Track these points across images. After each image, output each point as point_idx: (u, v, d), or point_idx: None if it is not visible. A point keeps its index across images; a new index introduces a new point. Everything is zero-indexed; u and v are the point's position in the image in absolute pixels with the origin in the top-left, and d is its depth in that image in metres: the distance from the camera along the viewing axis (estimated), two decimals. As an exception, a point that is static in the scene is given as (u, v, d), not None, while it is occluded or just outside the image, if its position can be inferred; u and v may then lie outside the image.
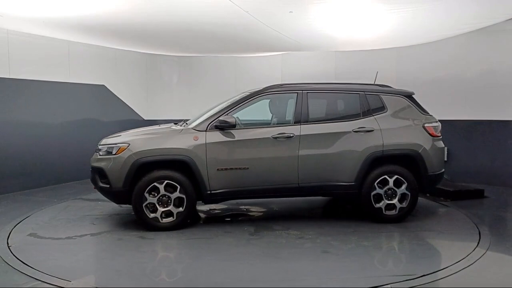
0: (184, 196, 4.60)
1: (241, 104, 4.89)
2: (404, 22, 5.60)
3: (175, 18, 5.48)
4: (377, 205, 4.85)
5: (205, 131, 4.70)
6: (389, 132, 4.92)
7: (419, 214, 5.30)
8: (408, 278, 3.37)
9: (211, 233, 4.57)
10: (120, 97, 8.68)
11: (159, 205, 4.60)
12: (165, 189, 4.58)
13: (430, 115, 5.21)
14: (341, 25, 5.85)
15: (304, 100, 4.93)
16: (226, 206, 5.82)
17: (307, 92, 4.99)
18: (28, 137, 6.89)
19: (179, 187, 4.58)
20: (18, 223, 4.98)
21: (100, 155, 4.78)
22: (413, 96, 5.27)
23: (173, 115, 8.84)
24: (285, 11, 5.04)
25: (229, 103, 4.99)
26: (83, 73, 7.86)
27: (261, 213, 5.59)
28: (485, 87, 7.20)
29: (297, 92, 5.00)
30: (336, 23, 5.73)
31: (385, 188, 4.85)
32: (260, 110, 5.31)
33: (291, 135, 4.77)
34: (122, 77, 8.81)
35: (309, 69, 8.63)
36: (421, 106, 5.24)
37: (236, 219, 5.30)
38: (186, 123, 5.08)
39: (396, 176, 4.85)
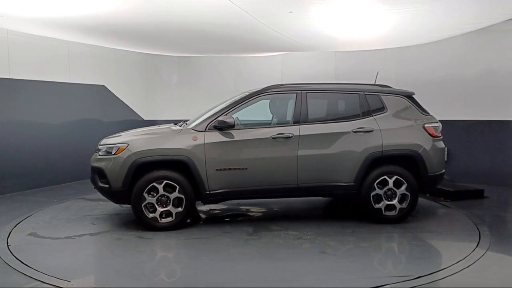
0: (183, 196, 4.60)
1: (240, 105, 4.89)
2: (404, 22, 5.60)
3: (175, 18, 5.48)
4: (377, 206, 4.84)
5: (204, 131, 4.70)
6: (388, 132, 4.91)
7: (419, 215, 5.29)
8: (407, 279, 3.36)
9: (209, 233, 4.57)
10: (120, 97, 8.69)
11: (158, 205, 4.60)
12: (164, 189, 4.59)
13: (431, 116, 5.19)
14: (341, 25, 5.84)
15: (303, 101, 4.93)
16: (226, 206, 5.82)
17: (306, 93, 4.98)
18: (28, 137, 6.90)
19: (178, 187, 4.59)
20: (18, 223, 4.99)
21: (99, 155, 4.79)
22: (413, 96, 5.26)
23: (173, 115, 8.86)
24: (285, 11, 5.04)
25: (228, 104, 4.99)
26: (83, 73, 7.87)
27: (261, 214, 5.58)
28: (485, 87, 7.19)
29: (296, 93, 4.99)
30: (336, 23, 5.73)
31: (384, 189, 4.84)
32: (261, 111, 5.31)
33: (290, 135, 4.76)
34: (122, 77, 8.82)
35: (309, 70, 8.63)
36: (422, 106, 5.22)
37: (236, 219, 5.29)
38: (186, 124, 5.08)
39: (395, 177, 4.84)
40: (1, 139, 6.51)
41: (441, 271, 3.55)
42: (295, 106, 4.92)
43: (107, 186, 4.67)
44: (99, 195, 5.04)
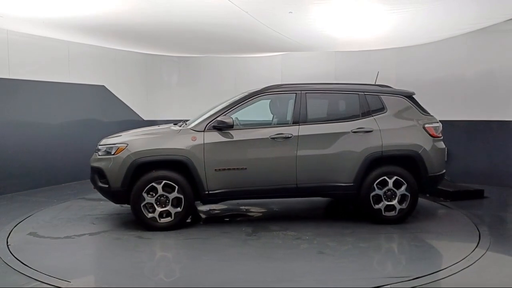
0: (182, 196, 4.60)
1: (239, 105, 4.88)
2: (404, 22, 5.60)
3: (175, 19, 5.48)
4: (376, 206, 4.83)
5: (203, 131, 4.70)
6: (388, 132, 4.89)
7: (419, 215, 5.28)
8: (407, 279, 3.36)
9: (208, 234, 4.57)
10: (120, 97, 8.69)
11: (157, 205, 4.60)
12: (163, 189, 4.59)
13: (431, 116, 5.17)
14: (341, 26, 5.84)
15: (302, 101, 4.92)
16: (226, 207, 5.82)
17: (306, 93, 4.97)
18: (28, 137, 6.90)
19: (177, 187, 4.59)
20: (18, 223, 4.99)
21: (99, 155, 4.79)
22: (413, 96, 5.24)
23: (173, 115, 8.86)
24: (285, 12, 5.04)
25: (228, 104, 4.98)
26: (83, 73, 7.87)
27: (261, 214, 5.58)
28: (485, 87, 7.18)
29: (295, 93, 4.99)
30: (336, 24, 5.73)
31: (384, 189, 4.82)
32: (261, 111, 5.31)
33: (289, 135, 4.76)
34: (122, 77, 8.82)
35: (309, 70, 8.62)
36: (422, 107, 5.19)
37: (235, 219, 5.29)
38: (186, 124, 5.08)
39: (395, 177, 4.82)
40: (1, 139, 6.52)
41: (441, 271, 3.54)
42: (294, 106, 4.92)
43: (107, 186, 4.67)
44: (99, 195, 5.05)
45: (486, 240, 4.32)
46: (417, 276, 3.40)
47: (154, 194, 4.59)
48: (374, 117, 4.96)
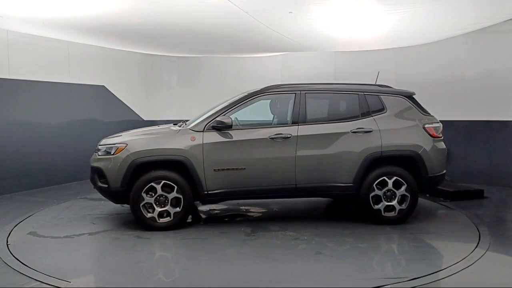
0: (181, 197, 4.60)
1: (239, 105, 4.88)
2: (404, 22, 5.59)
3: (175, 19, 5.48)
4: (376, 207, 4.82)
5: (203, 131, 4.70)
6: (388, 132, 4.88)
7: (418, 215, 5.27)
8: (406, 279, 3.35)
9: (207, 234, 4.57)
10: (119, 97, 8.70)
11: (156, 205, 4.60)
12: (162, 189, 4.59)
13: (431, 116, 5.15)
14: (341, 26, 5.84)
15: (302, 101, 4.92)
16: (225, 207, 5.81)
17: (305, 93, 4.97)
18: (28, 137, 6.91)
19: (176, 187, 4.59)
20: (18, 223, 4.99)
21: (99, 155, 4.80)
22: (413, 96, 5.23)
23: (173, 115, 8.86)
24: (285, 12, 5.04)
25: (227, 104, 4.98)
26: (83, 73, 7.87)
27: (260, 214, 5.58)
28: (485, 87, 7.17)
29: (295, 93, 4.98)
30: (336, 24, 5.73)
31: (384, 190, 4.81)
32: (261, 111, 5.30)
33: (289, 135, 4.75)
34: (122, 77, 8.82)
35: (309, 70, 8.62)
36: (422, 107, 5.18)
37: (234, 219, 5.29)
38: (185, 124, 5.08)
39: (395, 178, 4.81)
40: (1, 139, 6.52)
41: (441, 272, 3.54)
42: (293, 106, 4.91)
43: (106, 186, 4.67)
44: (100, 195, 5.05)
45: (486, 240, 4.31)
46: (417, 276, 3.40)
47: (153, 194, 4.59)
48: (373, 117, 4.95)
